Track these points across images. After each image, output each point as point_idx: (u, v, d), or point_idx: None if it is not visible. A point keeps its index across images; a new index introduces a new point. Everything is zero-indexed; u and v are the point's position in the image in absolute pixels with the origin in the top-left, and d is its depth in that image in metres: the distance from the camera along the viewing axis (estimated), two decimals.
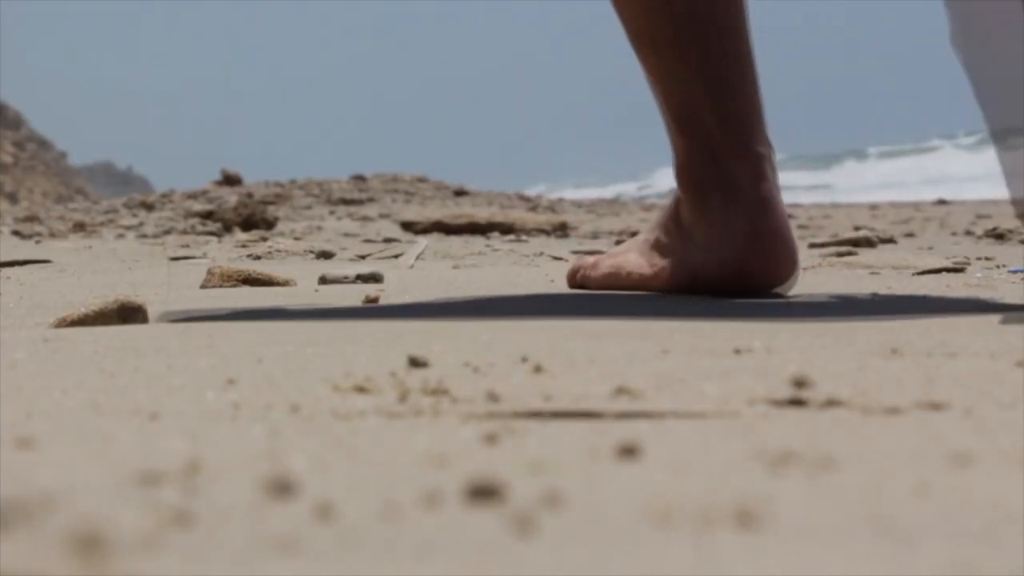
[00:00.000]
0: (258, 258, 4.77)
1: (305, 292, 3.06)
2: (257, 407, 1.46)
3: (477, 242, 5.90)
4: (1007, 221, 7.45)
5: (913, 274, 3.50)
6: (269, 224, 7.07)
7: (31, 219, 9.72)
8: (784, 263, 2.51)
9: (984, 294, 2.92)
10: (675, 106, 2.42)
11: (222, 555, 0.86)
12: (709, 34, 2.36)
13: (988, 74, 2.13)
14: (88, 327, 2.26)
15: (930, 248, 5.20)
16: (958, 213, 9.59)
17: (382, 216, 9.82)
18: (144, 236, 6.93)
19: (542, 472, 1.10)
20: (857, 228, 6.90)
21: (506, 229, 6.81)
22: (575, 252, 4.38)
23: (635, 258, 2.65)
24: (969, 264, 3.88)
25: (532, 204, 11.28)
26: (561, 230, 7.15)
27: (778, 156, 2.38)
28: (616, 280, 2.69)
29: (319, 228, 7.93)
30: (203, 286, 3.25)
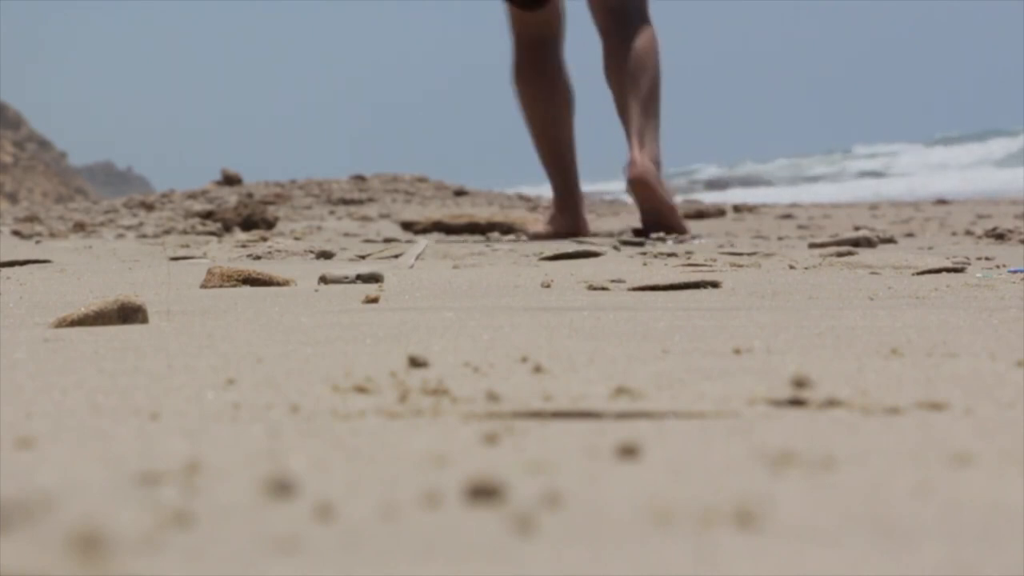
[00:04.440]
0: (258, 258, 4.77)
1: (305, 292, 3.06)
2: (257, 407, 1.46)
3: (477, 242, 5.90)
4: (1007, 221, 7.45)
5: (913, 274, 3.50)
6: (269, 224, 7.07)
7: (31, 219, 9.72)
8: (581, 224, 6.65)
9: (984, 294, 2.92)
10: (547, 159, 6.70)
11: (222, 555, 0.86)
12: (557, 138, 6.66)
13: None
14: (88, 327, 2.26)
15: (930, 248, 5.20)
16: (958, 213, 9.59)
17: (382, 216, 9.82)
18: (144, 236, 6.92)
19: (542, 472, 1.10)
20: (857, 228, 6.89)
21: (506, 229, 6.80)
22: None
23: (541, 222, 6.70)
24: (969, 264, 3.88)
25: (532, 204, 11.28)
26: None
27: None
28: (542, 230, 6.52)
29: (319, 228, 7.93)
30: (203, 286, 3.25)
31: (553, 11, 6.58)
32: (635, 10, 6.42)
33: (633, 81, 6.29)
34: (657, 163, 6.24)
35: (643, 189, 6.13)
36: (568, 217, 6.53)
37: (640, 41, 6.35)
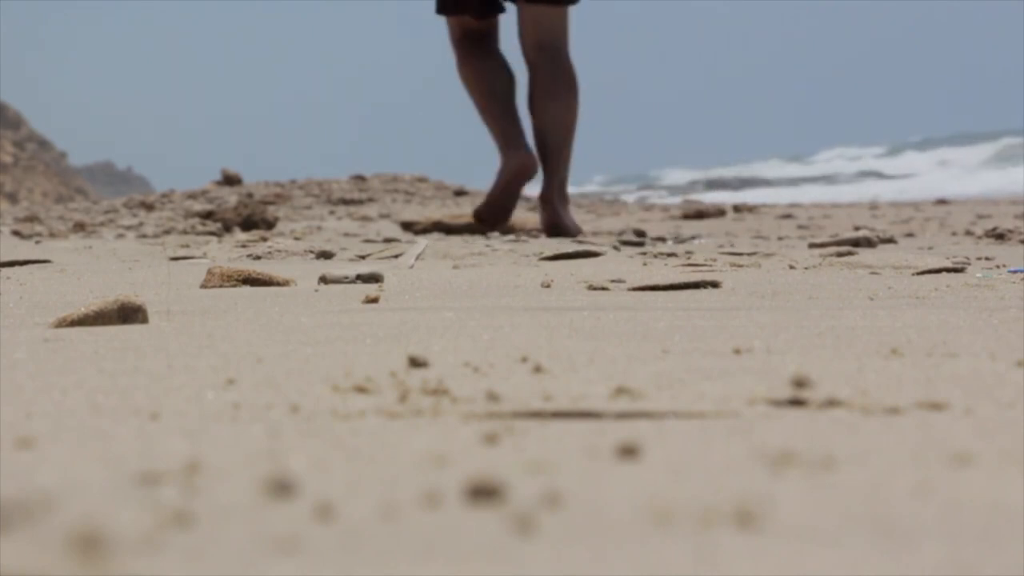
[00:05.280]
0: (258, 258, 4.77)
1: (305, 292, 3.06)
2: (257, 407, 1.46)
3: (477, 242, 5.90)
4: (1007, 221, 7.45)
5: (913, 274, 3.50)
6: (269, 224, 7.07)
7: (31, 219, 9.72)
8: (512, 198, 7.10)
9: (984, 294, 2.92)
10: (494, 116, 7.02)
11: (222, 555, 0.86)
12: (503, 107, 6.99)
13: None
14: (88, 327, 2.26)
15: (930, 248, 5.20)
16: (958, 213, 9.60)
17: (382, 216, 9.82)
18: (144, 236, 6.92)
19: (542, 472, 1.10)
20: (857, 228, 6.89)
21: (506, 229, 6.81)
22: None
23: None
24: (969, 264, 3.88)
25: (532, 204, 11.28)
26: None
27: None
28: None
29: (319, 228, 7.94)
30: (203, 286, 3.25)
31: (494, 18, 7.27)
32: (562, 47, 7.11)
33: (555, 125, 7.02)
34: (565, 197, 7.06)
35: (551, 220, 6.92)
36: (513, 156, 6.88)
37: (566, 81, 7.09)
